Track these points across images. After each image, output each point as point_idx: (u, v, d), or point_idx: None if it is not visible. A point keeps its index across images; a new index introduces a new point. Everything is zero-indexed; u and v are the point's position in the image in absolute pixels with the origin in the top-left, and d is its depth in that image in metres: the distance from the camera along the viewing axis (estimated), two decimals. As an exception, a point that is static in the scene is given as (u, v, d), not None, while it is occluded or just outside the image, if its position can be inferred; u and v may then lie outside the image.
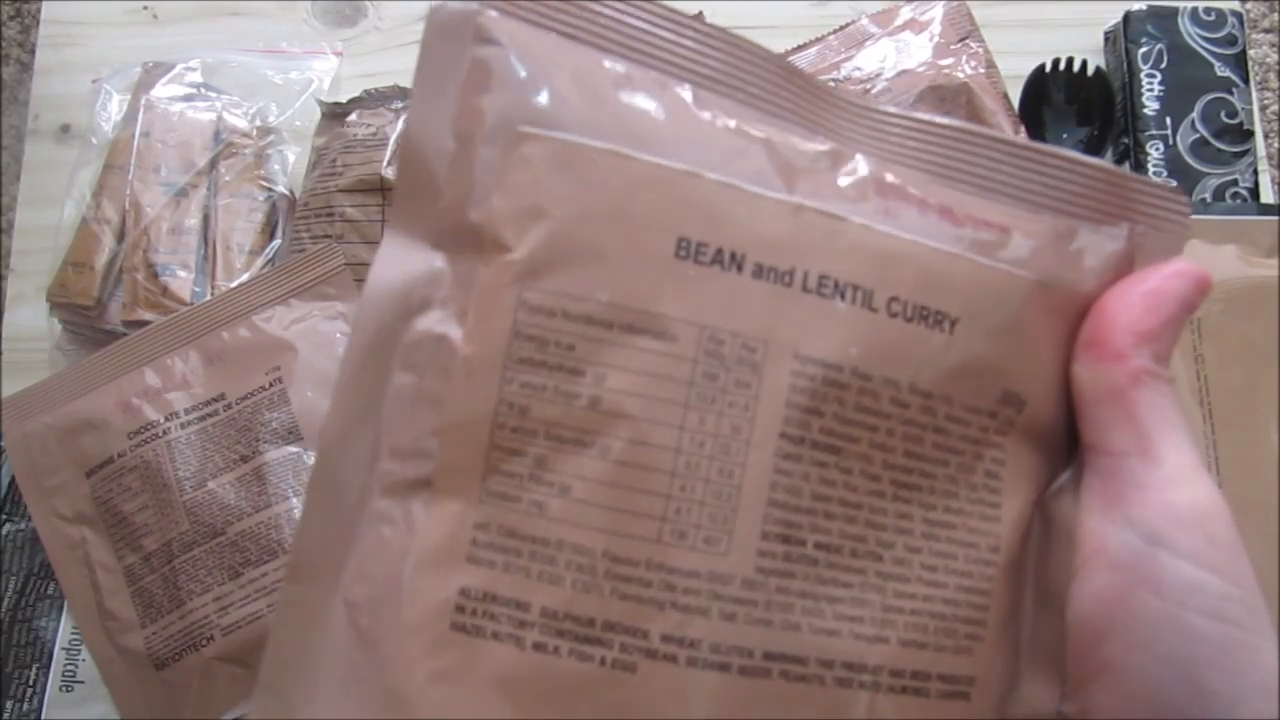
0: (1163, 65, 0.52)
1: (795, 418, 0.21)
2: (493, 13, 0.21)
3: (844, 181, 0.22)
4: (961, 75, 0.51)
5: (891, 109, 0.23)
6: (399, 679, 0.19)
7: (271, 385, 0.45)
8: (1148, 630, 0.20)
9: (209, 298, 0.47)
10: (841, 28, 0.54)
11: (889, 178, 0.22)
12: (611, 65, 0.21)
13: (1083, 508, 0.22)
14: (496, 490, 0.20)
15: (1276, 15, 0.86)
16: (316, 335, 0.46)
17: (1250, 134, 0.51)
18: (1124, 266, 0.23)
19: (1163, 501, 0.20)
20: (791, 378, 0.21)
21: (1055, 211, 0.23)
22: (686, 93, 0.21)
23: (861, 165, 0.22)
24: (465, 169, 0.20)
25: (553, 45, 0.21)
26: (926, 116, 0.23)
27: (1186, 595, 0.20)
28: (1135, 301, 0.21)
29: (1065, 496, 0.23)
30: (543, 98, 0.20)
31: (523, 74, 0.20)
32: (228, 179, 0.51)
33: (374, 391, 0.21)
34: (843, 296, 0.21)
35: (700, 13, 0.55)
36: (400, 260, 0.21)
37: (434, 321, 0.20)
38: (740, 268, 0.21)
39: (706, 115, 0.21)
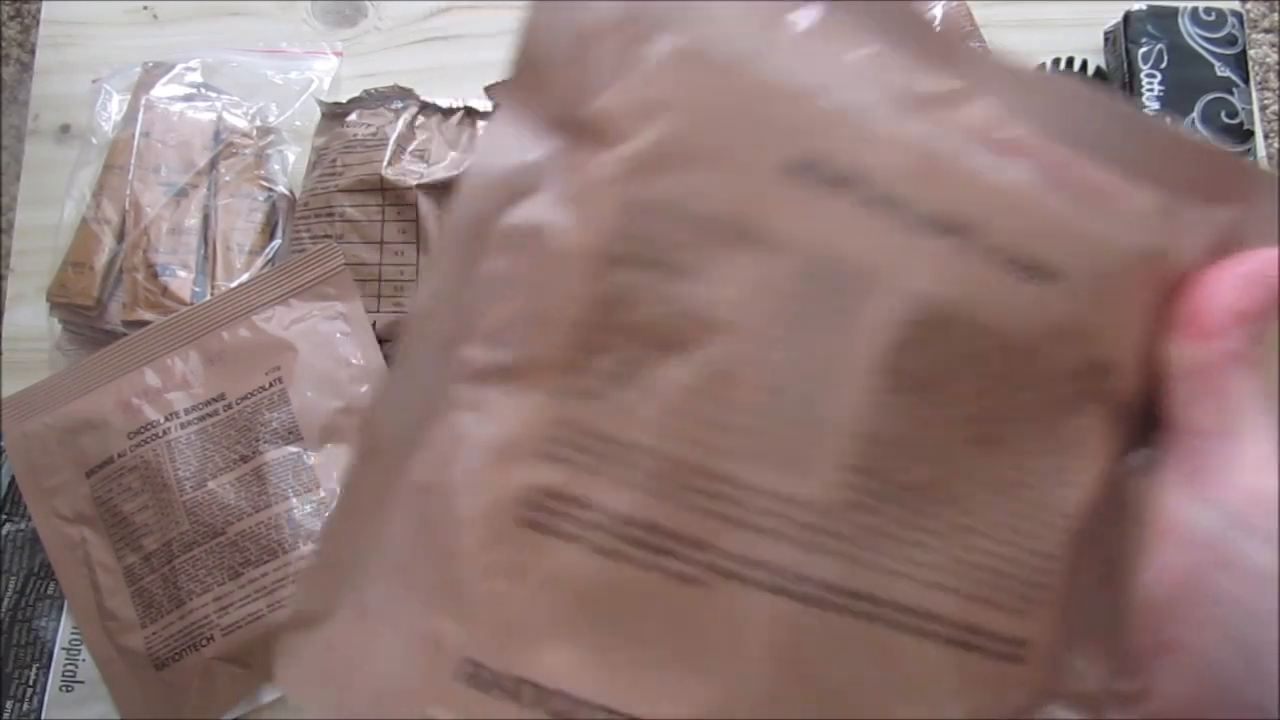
0: (1163, 65, 0.52)
1: (891, 352, 0.20)
2: None
3: (963, 121, 0.21)
4: (961, 75, 0.51)
5: (1016, 60, 0.22)
6: (458, 569, 0.19)
7: (271, 385, 0.45)
8: (1217, 612, 0.20)
9: (209, 298, 0.47)
10: (841, 28, 0.54)
11: (1008, 126, 0.21)
12: None
13: (1159, 486, 0.21)
14: (581, 386, 0.19)
15: (1276, 15, 0.86)
16: (316, 335, 0.46)
17: (1250, 134, 0.51)
18: (1228, 248, 0.22)
19: (1245, 485, 0.19)
20: (892, 311, 0.20)
21: (1166, 185, 0.22)
22: (815, 11, 0.21)
23: (981, 108, 0.21)
24: (587, 58, 0.20)
25: None
26: (1050, 73, 0.22)
27: (1260, 579, 0.19)
28: (1236, 282, 0.21)
29: (1139, 473, 0.22)
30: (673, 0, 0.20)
31: None
32: (228, 179, 0.51)
33: (465, 273, 0.20)
34: (951, 235, 0.20)
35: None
36: (507, 142, 0.21)
37: (536, 207, 0.20)
38: (853, 193, 0.20)
39: (834, 37, 0.21)
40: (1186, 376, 0.21)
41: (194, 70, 0.53)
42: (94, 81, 0.54)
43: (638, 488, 0.19)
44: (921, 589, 0.20)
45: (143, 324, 0.47)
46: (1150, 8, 0.53)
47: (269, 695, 0.44)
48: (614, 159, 0.20)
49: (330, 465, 0.44)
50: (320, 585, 0.21)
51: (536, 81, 0.20)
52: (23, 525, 0.47)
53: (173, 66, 0.53)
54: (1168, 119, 0.21)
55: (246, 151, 0.51)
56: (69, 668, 0.45)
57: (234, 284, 0.48)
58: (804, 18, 0.21)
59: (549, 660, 0.19)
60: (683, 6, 0.20)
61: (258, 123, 0.52)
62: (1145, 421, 0.23)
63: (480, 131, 0.48)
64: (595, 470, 0.19)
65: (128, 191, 0.49)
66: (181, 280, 0.48)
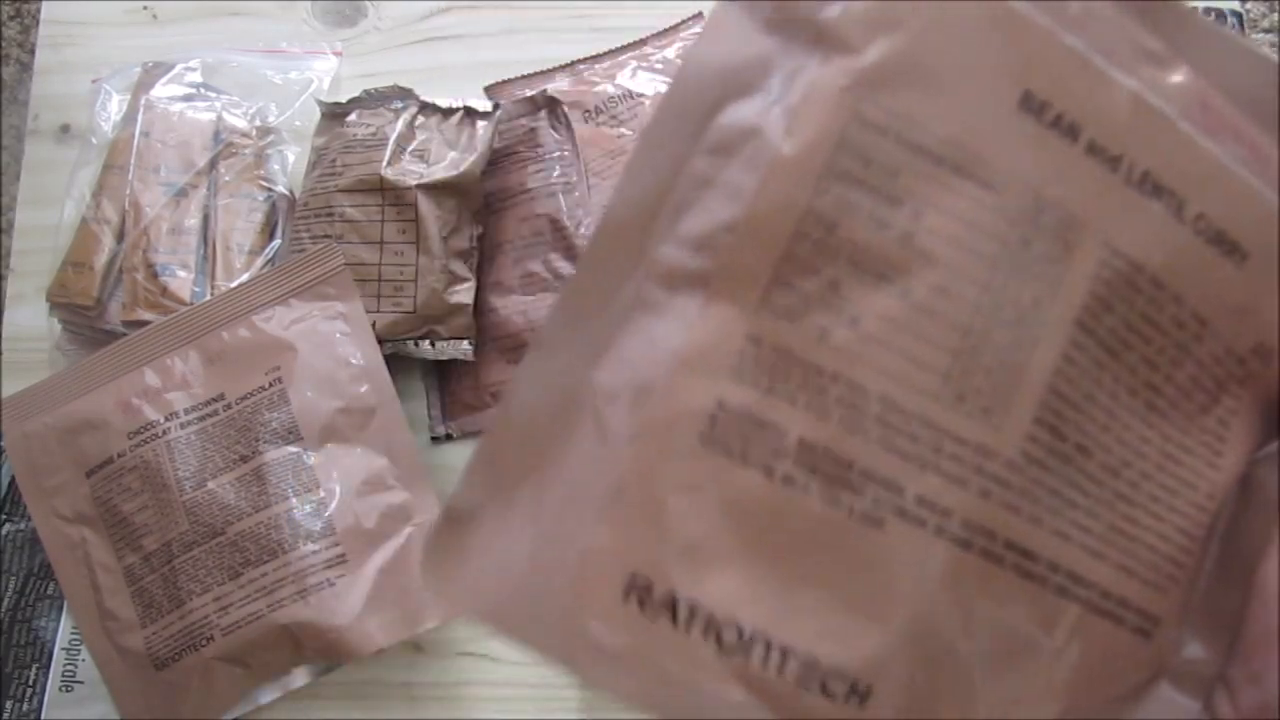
0: (1162, 65, 0.52)
1: (1092, 308, 0.20)
2: None
3: (1174, 86, 0.21)
4: (961, 75, 0.51)
5: (1220, 28, 0.22)
6: (628, 476, 0.18)
7: (271, 385, 0.45)
8: None
9: (209, 298, 0.47)
10: (841, 28, 0.54)
11: (1212, 98, 0.22)
12: None
13: None
14: (780, 304, 0.19)
15: (1276, 15, 0.86)
16: (316, 335, 0.46)
17: (1250, 134, 0.51)
18: None
19: None
20: (1098, 266, 0.20)
21: None
22: None
23: (1189, 77, 0.22)
24: None
25: None
26: (1252, 45, 0.23)
27: None
28: None
29: (1268, 462, 0.23)
30: None
31: None
32: (228, 179, 0.51)
33: (669, 171, 0.20)
34: (1159, 198, 0.20)
35: (700, 13, 0.55)
36: (729, 39, 0.20)
37: (753, 110, 0.19)
38: (1076, 139, 0.20)
39: None
40: None
41: (194, 70, 0.53)
42: (94, 81, 0.54)
43: (830, 418, 0.19)
44: (1086, 556, 0.21)
45: (142, 324, 0.47)
46: (1150, 8, 0.53)
47: (269, 695, 0.44)
48: (843, 69, 0.19)
49: (330, 465, 0.44)
50: (480, 484, 0.19)
51: None
52: (22, 525, 0.47)
53: (173, 66, 0.53)
54: None
55: (246, 151, 0.51)
56: (69, 668, 0.45)
57: (234, 284, 0.48)
58: None
59: (722, 586, 0.18)
60: None
61: (258, 123, 0.52)
62: None
63: (480, 131, 0.48)
64: (788, 395, 0.19)
65: (127, 191, 0.49)
66: (181, 280, 0.48)
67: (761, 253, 0.19)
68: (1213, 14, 0.52)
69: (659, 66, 0.53)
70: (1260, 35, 0.85)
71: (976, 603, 0.20)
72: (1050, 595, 0.20)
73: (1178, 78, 0.21)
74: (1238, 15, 0.52)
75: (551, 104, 0.50)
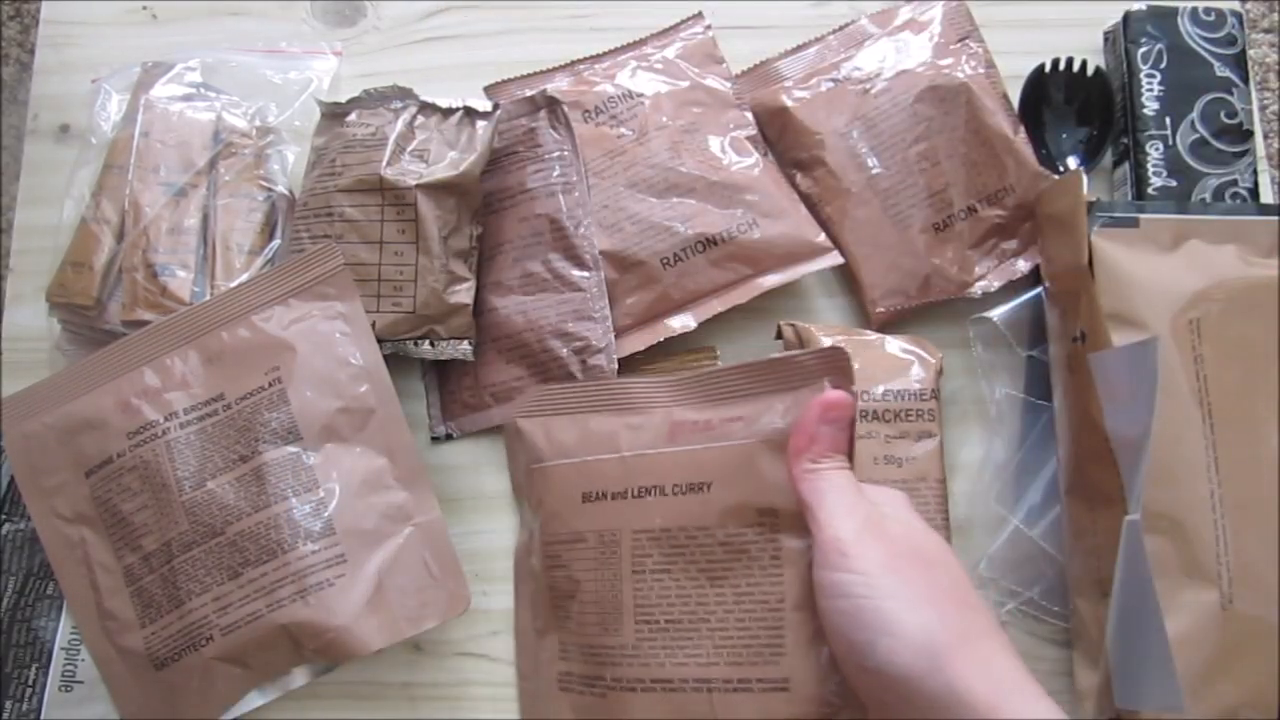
0: (1162, 65, 0.52)
1: (639, 557, 0.42)
2: None
3: (656, 430, 0.43)
4: (961, 75, 0.51)
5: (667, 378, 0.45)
6: None
7: (271, 385, 0.45)
8: (832, 617, 0.35)
9: (208, 298, 0.47)
10: (841, 28, 0.54)
11: (676, 415, 0.43)
12: None
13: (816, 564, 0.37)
14: None
15: (1276, 15, 0.86)
16: (316, 335, 0.46)
17: (1250, 134, 0.51)
18: (807, 407, 0.39)
19: (825, 539, 0.36)
20: (634, 539, 0.42)
21: (769, 394, 0.41)
22: None
23: (665, 416, 0.44)
24: None
25: None
26: (694, 374, 0.44)
27: (833, 588, 0.35)
28: (795, 431, 0.39)
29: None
30: None
31: None
32: (227, 179, 0.50)
33: None
34: (662, 493, 0.42)
35: (700, 13, 0.55)
36: None
37: None
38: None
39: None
40: (796, 487, 0.38)
41: (193, 70, 0.53)
42: (93, 81, 0.54)
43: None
44: (704, 667, 0.40)
45: (142, 324, 0.47)
46: (1150, 8, 0.53)
47: (269, 695, 0.44)
48: None
49: (330, 465, 0.44)
50: None
51: None
52: (22, 525, 0.47)
53: (172, 66, 0.53)
54: (767, 357, 0.42)
55: (246, 151, 0.51)
56: (68, 668, 0.45)
57: (233, 284, 0.48)
58: None
59: None
60: None
61: (257, 123, 0.52)
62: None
63: (480, 131, 0.48)
64: None
65: (127, 191, 0.49)
66: (181, 280, 0.48)
67: None
68: (1212, 14, 0.52)
69: (659, 66, 0.53)
70: (1260, 35, 0.85)
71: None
72: (691, 695, 0.40)
73: (660, 420, 0.44)
74: (1238, 15, 0.52)
75: (551, 104, 0.50)
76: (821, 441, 0.38)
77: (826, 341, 0.47)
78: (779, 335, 0.49)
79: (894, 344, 0.48)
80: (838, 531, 0.35)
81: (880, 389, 0.46)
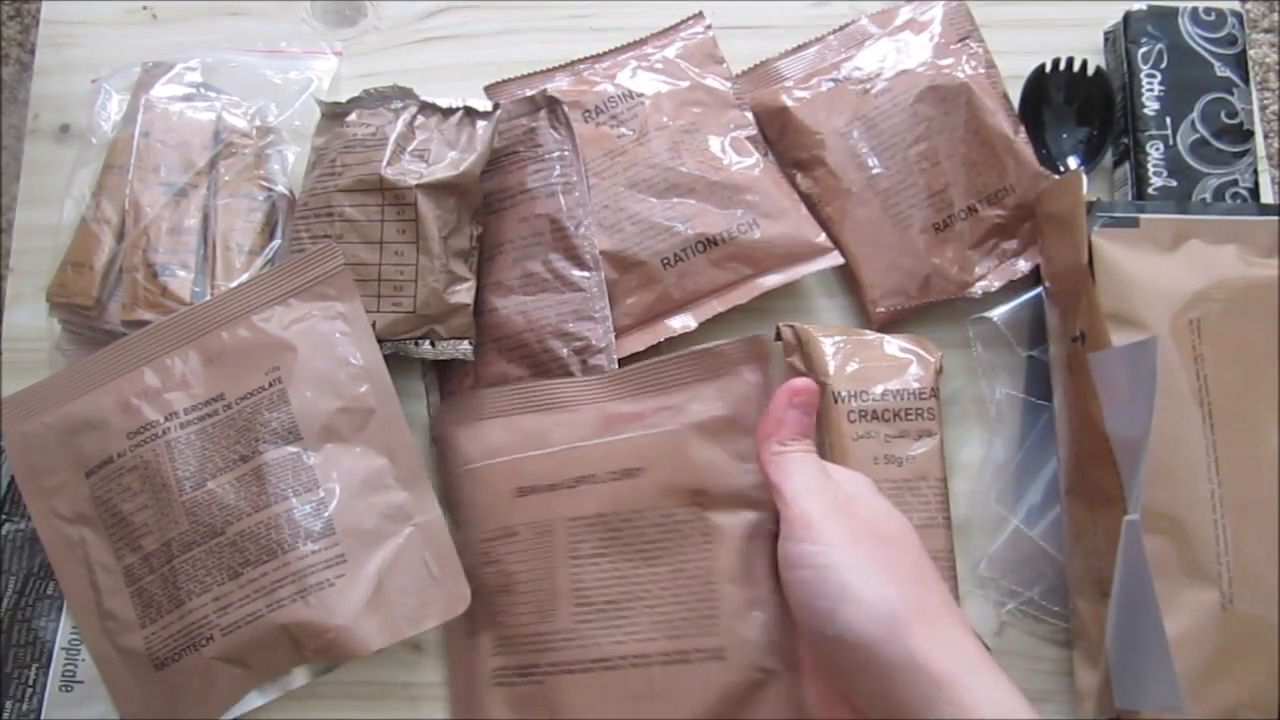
0: (1163, 65, 0.52)
1: (575, 544, 0.43)
2: None
3: (588, 424, 0.45)
4: (961, 75, 0.51)
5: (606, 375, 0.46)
6: None
7: (271, 385, 0.45)
8: (794, 588, 0.37)
9: (209, 298, 0.47)
10: (841, 28, 0.54)
11: (610, 409, 0.45)
12: None
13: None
14: None
15: (1276, 15, 0.86)
16: (316, 335, 0.46)
17: (1250, 134, 0.51)
18: (760, 394, 0.44)
19: (792, 515, 0.38)
20: (568, 526, 0.43)
21: (697, 383, 0.44)
22: None
23: (598, 411, 0.45)
24: None
25: None
26: (623, 370, 0.46)
27: (797, 559, 0.37)
28: (763, 417, 0.40)
29: (767, 526, 0.43)
30: None
31: None
32: (227, 179, 0.50)
33: None
34: (596, 481, 0.43)
35: (700, 13, 0.55)
36: None
37: None
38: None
39: None
40: (763, 469, 0.40)
41: (193, 70, 0.53)
42: (94, 81, 0.54)
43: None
44: (642, 643, 0.42)
45: (142, 324, 0.47)
46: (1150, 8, 0.53)
47: (269, 695, 0.44)
48: None
49: (330, 465, 0.44)
50: None
51: None
52: (22, 525, 0.47)
53: (172, 66, 0.53)
54: (702, 347, 0.45)
55: (246, 151, 0.51)
56: (68, 668, 0.45)
57: (234, 284, 0.48)
58: None
59: None
60: None
61: (257, 123, 0.52)
62: (761, 497, 0.42)
63: (480, 131, 0.48)
64: None
65: (127, 191, 0.49)
66: (181, 280, 0.48)
67: None
68: (1213, 14, 0.52)
69: (659, 66, 0.53)
70: (1260, 35, 0.85)
71: (616, 698, 0.42)
72: (630, 672, 0.41)
73: (602, 414, 0.45)
74: (1238, 15, 0.52)
75: (551, 104, 0.50)
76: (788, 425, 0.39)
77: (826, 342, 0.47)
78: (778, 337, 0.49)
79: (894, 344, 0.48)
80: (804, 508, 0.37)
81: (880, 388, 0.46)
